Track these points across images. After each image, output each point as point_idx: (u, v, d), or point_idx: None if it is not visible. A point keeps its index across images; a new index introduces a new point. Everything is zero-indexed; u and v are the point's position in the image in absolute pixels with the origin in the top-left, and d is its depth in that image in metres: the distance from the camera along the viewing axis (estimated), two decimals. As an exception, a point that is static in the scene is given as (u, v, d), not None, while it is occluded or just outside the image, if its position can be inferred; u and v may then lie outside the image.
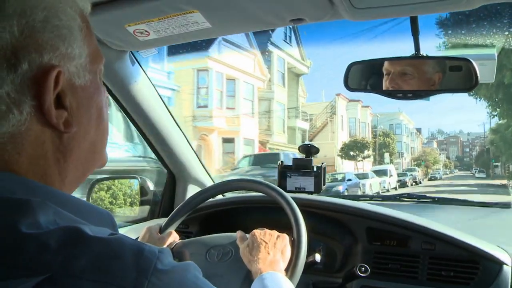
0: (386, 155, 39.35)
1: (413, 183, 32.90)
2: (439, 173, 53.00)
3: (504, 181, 33.42)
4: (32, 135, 0.49)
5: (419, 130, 73.06)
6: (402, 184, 28.95)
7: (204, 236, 1.25)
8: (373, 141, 40.00)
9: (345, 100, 35.05)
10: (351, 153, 31.64)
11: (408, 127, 55.20)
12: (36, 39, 0.48)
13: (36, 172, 0.50)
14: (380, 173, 26.78)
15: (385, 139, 43.27)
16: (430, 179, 45.85)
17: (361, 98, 35.28)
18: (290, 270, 1.02)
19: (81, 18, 0.54)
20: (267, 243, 1.04)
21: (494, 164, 53.69)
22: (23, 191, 0.47)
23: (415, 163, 54.65)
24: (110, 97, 1.51)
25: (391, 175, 27.30)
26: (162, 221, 1.28)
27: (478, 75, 1.10)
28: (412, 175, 35.63)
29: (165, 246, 1.18)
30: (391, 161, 40.65)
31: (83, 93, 0.54)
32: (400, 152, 45.81)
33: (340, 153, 31.49)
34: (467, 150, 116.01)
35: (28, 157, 0.49)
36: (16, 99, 0.47)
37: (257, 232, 1.08)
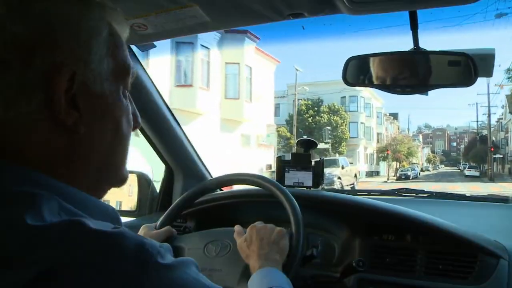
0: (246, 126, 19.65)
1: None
2: (414, 169, 40.04)
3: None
4: (41, 129, 0.50)
5: (394, 116, 58.87)
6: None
7: (202, 230, 1.25)
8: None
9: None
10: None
11: (370, 103, 38.71)
12: (53, 38, 0.50)
13: (44, 166, 0.51)
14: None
15: (332, 117, 30.88)
16: (399, 178, 34.35)
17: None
18: (287, 264, 1.02)
19: (110, 32, 0.56)
20: (264, 238, 1.04)
21: (494, 156, 37.75)
22: (29, 184, 0.48)
23: (381, 155, 40.85)
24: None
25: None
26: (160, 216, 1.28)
27: (477, 70, 1.10)
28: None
29: (162, 241, 1.18)
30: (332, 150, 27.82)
31: (99, 100, 0.55)
32: (325, 130, 28.57)
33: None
34: (454, 144, 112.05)
35: (35, 149, 0.50)
36: (25, 89, 0.49)
37: (255, 226, 1.08)
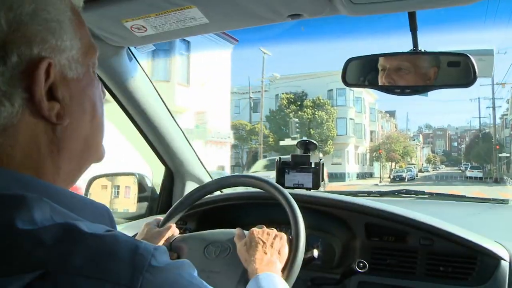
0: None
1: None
2: (410, 170, 36.08)
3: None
4: (25, 128, 0.49)
5: (391, 113, 53.70)
6: None
7: (203, 231, 1.25)
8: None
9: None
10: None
11: (361, 97, 33.13)
12: (25, 32, 0.49)
13: (30, 166, 0.50)
14: None
15: (317, 112, 27.03)
16: (393, 180, 31.21)
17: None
18: (287, 268, 1.02)
19: (72, 12, 0.55)
20: (264, 243, 1.03)
21: (499, 155, 33.29)
22: (17, 186, 0.46)
23: (375, 154, 36.31)
24: (107, 93, 1.50)
25: None
26: (161, 217, 1.28)
27: (476, 70, 1.10)
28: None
29: (163, 240, 1.18)
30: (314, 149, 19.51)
31: (76, 85, 0.54)
32: (292, 123, 23.61)
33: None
34: (455, 144, 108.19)
35: (21, 150, 0.49)
36: (7, 92, 0.47)
37: (255, 230, 1.08)
